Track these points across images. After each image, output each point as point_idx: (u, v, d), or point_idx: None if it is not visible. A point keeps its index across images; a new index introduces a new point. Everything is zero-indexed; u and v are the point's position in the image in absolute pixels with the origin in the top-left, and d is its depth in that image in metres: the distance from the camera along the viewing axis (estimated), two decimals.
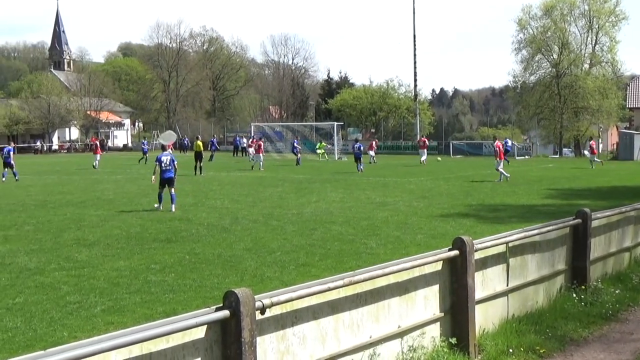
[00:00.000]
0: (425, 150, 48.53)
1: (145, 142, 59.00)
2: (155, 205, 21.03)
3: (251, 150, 55.69)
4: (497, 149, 32.05)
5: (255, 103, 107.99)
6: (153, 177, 21.85)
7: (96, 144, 50.44)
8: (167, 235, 15.89)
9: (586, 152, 55.68)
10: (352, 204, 22.23)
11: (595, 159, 44.60)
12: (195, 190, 27.51)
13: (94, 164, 45.65)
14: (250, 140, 59.84)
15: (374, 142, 52.78)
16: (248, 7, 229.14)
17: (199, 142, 39.26)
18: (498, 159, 31.64)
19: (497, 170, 31.58)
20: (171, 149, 54.05)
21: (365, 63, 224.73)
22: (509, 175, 31.29)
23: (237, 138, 69.37)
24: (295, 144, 52.55)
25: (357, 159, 39.36)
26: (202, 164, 37.67)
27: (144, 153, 53.59)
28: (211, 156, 54.53)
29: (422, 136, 57.29)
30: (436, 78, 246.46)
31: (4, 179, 34.04)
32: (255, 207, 21.54)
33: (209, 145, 58.73)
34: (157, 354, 4.72)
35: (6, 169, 34.66)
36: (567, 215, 11.35)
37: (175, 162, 21.46)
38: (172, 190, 20.91)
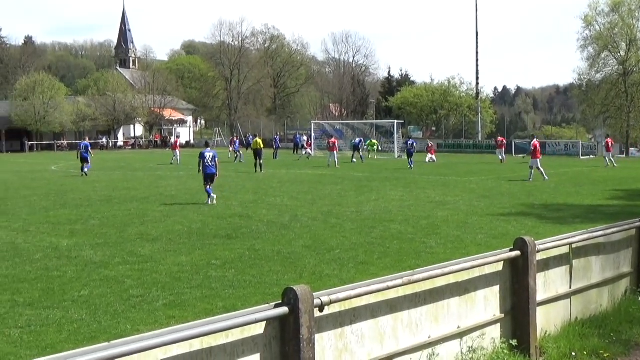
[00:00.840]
0: (504, 149, 48.56)
1: (237, 140, 57.87)
2: (210, 202, 21.78)
3: (308, 150, 55.70)
4: (534, 147, 31.58)
5: (315, 101, 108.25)
6: (199, 170, 22.61)
7: (175, 141, 51.68)
8: (227, 231, 16.08)
9: None
10: (411, 202, 22.11)
11: (611, 157, 43.37)
12: (255, 188, 27.75)
13: (174, 159, 46.84)
14: (308, 139, 59.94)
15: (433, 148, 52.05)
16: (309, 5, 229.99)
17: (259, 140, 39.60)
18: (533, 157, 31.27)
19: (531, 168, 31.36)
20: (236, 145, 54.73)
21: (426, 61, 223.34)
22: (531, 180, 30.72)
23: (298, 136, 69.64)
24: (358, 142, 52.70)
25: (410, 155, 41.36)
26: (262, 161, 37.94)
27: (236, 151, 52.56)
28: (275, 154, 54.82)
29: (497, 135, 57.27)
30: (498, 76, 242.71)
31: (86, 172, 35.31)
32: (315, 204, 21.62)
33: (273, 143, 59.01)
34: (217, 348, 4.78)
35: (84, 164, 35.88)
36: (633, 217, 11.06)
37: (217, 159, 22.41)
38: (209, 186, 21.93)
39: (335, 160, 42.97)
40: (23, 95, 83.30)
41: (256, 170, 37.19)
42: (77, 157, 37.03)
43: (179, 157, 47.16)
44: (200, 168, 22.26)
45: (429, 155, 49.04)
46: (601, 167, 41.70)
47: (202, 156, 22.22)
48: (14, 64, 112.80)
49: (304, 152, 57.50)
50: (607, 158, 43.09)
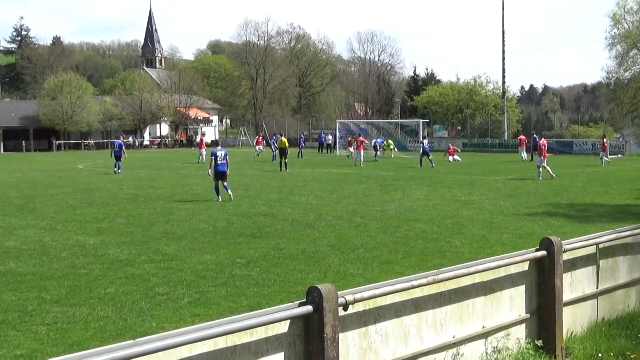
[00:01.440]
0: (525, 148, 48.43)
1: (275, 138, 56.66)
2: (216, 199, 22.44)
3: (351, 148, 54.78)
4: (543, 147, 31.37)
5: (340, 100, 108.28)
6: (210, 170, 23.18)
7: (202, 139, 52.10)
8: (252, 230, 16.13)
9: None
10: (437, 202, 22.01)
11: (606, 157, 42.72)
12: (280, 187, 27.80)
13: (201, 158, 47.14)
14: (351, 138, 59.60)
15: (453, 149, 51.27)
16: (335, 4, 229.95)
17: (284, 139, 39.69)
18: (542, 157, 31.05)
19: (539, 167, 31.24)
20: (262, 146, 54.93)
21: (452, 60, 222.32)
22: (554, 175, 30.62)
23: (323, 135, 69.60)
24: (380, 142, 52.81)
25: (427, 155, 41.76)
26: (287, 160, 38.02)
27: (274, 150, 52.10)
28: (300, 153, 54.75)
29: (520, 134, 56.89)
30: (525, 75, 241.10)
31: (119, 172, 36.45)
32: (340, 203, 21.60)
33: (299, 143, 58.87)
34: (241, 347, 4.80)
35: (117, 162, 36.98)
36: None
37: (228, 157, 23.16)
38: (225, 183, 22.60)
39: (361, 159, 43.07)
40: (51, 95, 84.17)
41: (281, 169, 37.28)
42: (111, 156, 38.44)
43: (204, 156, 47.34)
44: (212, 167, 22.83)
45: (452, 158, 48.72)
46: (599, 166, 41.39)
47: (214, 155, 22.92)
48: (42, 64, 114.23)
49: (351, 150, 54.75)
50: (603, 158, 42.70)
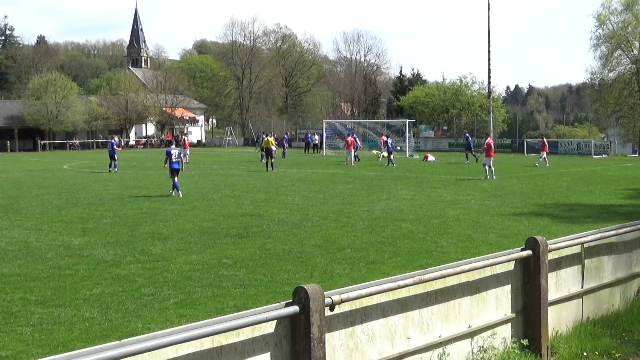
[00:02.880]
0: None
1: (286, 137, 55.94)
2: (170, 192, 24.54)
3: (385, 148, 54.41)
4: (487, 146, 31.71)
5: (327, 100, 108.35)
6: (165, 166, 25.00)
7: (184, 140, 52.12)
8: (239, 230, 16.11)
9: None
10: (423, 202, 22.07)
11: (545, 156, 42.70)
12: (266, 187, 27.78)
13: (185, 159, 47.10)
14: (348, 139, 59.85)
15: (431, 157, 51.21)
16: (321, 4, 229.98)
17: (270, 139, 39.64)
18: (488, 156, 31.37)
19: (484, 166, 31.82)
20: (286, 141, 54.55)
21: (438, 60, 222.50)
22: (495, 177, 31.10)
23: (309, 135, 69.62)
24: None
25: (390, 153, 43.64)
26: (273, 161, 38.01)
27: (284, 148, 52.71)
28: (283, 153, 54.79)
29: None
30: (511, 75, 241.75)
31: (115, 170, 37.95)
32: (326, 204, 21.61)
33: (283, 142, 58.85)
34: (227, 347, 4.79)
35: (113, 162, 38.25)
36: None
37: (182, 156, 24.90)
38: (176, 179, 24.24)
39: (352, 159, 43.66)
40: (36, 94, 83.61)
41: (267, 170, 37.24)
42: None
43: (189, 156, 47.19)
44: (167, 164, 24.52)
45: (431, 157, 49.46)
46: (532, 165, 41.87)
47: (168, 154, 24.54)
48: (27, 64, 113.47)
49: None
50: (541, 158, 42.80)
